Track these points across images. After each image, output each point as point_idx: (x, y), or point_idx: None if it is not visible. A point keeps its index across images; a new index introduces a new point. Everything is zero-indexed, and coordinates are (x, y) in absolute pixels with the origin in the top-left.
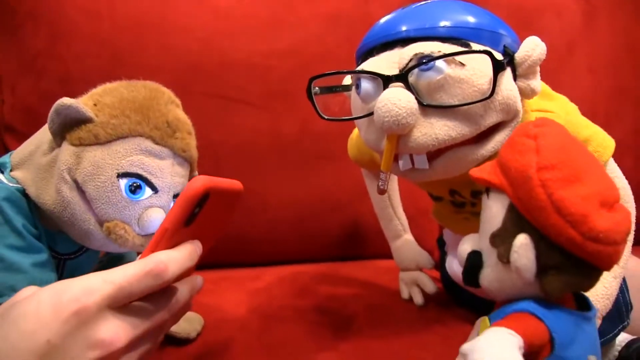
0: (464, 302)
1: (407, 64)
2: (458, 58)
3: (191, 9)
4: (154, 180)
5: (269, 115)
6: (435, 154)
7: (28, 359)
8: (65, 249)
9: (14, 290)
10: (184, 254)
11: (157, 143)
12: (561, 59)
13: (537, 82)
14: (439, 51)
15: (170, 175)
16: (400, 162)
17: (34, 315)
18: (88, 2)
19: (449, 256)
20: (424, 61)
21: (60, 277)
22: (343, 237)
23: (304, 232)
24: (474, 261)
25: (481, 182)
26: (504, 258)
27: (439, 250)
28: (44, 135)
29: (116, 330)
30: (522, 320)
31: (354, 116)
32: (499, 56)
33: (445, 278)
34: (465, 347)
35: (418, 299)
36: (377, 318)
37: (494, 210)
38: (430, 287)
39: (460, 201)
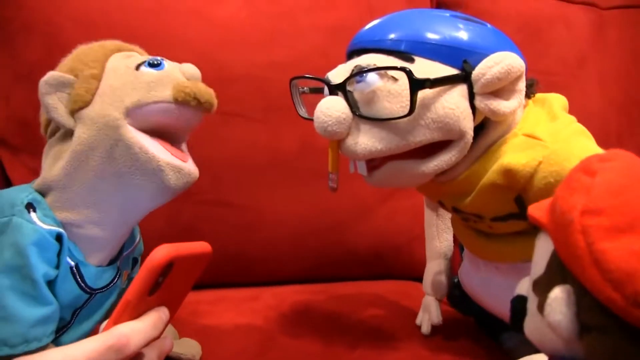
0: (470, 313)
1: (350, 74)
2: (391, 73)
3: (188, 21)
4: (155, 57)
5: (268, 129)
6: (379, 163)
7: None
8: (100, 284)
9: (5, 344)
10: (147, 325)
11: (126, 51)
12: (571, 73)
13: (503, 104)
14: (374, 64)
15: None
16: (350, 165)
17: None
18: (84, 14)
19: (463, 262)
20: (357, 73)
21: (85, 305)
22: (344, 256)
23: (303, 251)
24: (516, 306)
25: (530, 220)
26: (542, 309)
27: (460, 255)
28: (51, 149)
29: None
30: None
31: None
32: (447, 72)
33: (453, 287)
34: None
35: (424, 328)
36: (380, 344)
37: (540, 253)
38: (435, 318)
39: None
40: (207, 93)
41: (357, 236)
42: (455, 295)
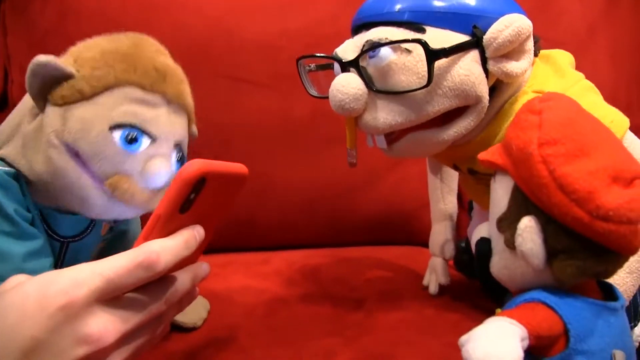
0: (475, 276)
1: (361, 50)
2: (404, 45)
3: None
4: (150, 129)
5: (279, 96)
6: (398, 135)
7: (13, 354)
8: (68, 232)
9: (4, 280)
10: (178, 242)
11: (147, 90)
12: (581, 43)
13: (515, 65)
14: (386, 38)
15: (168, 123)
16: (368, 139)
17: (19, 309)
18: None
19: (472, 220)
20: (370, 48)
21: (63, 259)
22: (353, 222)
23: (314, 217)
24: (481, 249)
25: (485, 164)
26: (511, 243)
27: (469, 215)
28: (26, 103)
29: (105, 324)
30: (529, 310)
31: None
32: (459, 39)
33: (460, 251)
34: (463, 337)
35: (432, 287)
36: (386, 304)
37: (500, 193)
38: (443, 278)
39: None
40: (133, 204)
41: (367, 202)
42: (462, 259)
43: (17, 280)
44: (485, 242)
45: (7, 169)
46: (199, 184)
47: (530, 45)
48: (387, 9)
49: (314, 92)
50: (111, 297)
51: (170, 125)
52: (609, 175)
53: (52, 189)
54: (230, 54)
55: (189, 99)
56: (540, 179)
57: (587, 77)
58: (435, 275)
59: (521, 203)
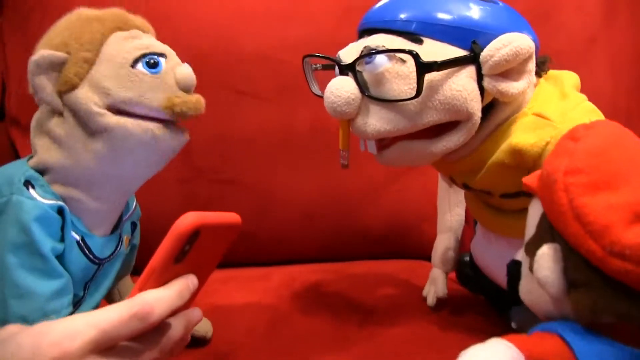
0: (479, 291)
1: (359, 55)
2: (399, 55)
3: (201, 0)
4: (157, 50)
5: (280, 109)
6: (388, 143)
7: None
8: (106, 253)
9: (25, 320)
10: (172, 293)
11: (125, 30)
12: (581, 53)
13: (512, 85)
14: (383, 46)
15: (160, 43)
16: (360, 143)
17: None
18: None
19: (476, 235)
20: (366, 54)
21: (94, 277)
22: (354, 236)
23: (314, 231)
24: (511, 271)
25: (524, 187)
26: (532, 268)
27: (473, 229)
28: (41, 127)
29: None
30: (538, 338)
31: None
32: (456, 53)
33: (464, 265)
34: (462, 353)
35: (429, 299)
36: (389, 319)
37: (532, 217)
38: (440, 291)
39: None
40: (196, 108)
41: (368, 216)
42: (466, 273)
43: (11, 331)
44: (515, 264)
45: (51, 202)
46: (193, 236)
47: (531, 66)
48: (390, 17)
49: (317, 91)
50: (105, 347)
51: (162, 44)
52: (633, 212)
53: (117, 166)
54: (231, 66)
55: (152, 28)
56: (560, 207)
57: (587, 88)
58: (434, 287)
59: (546, 229)
